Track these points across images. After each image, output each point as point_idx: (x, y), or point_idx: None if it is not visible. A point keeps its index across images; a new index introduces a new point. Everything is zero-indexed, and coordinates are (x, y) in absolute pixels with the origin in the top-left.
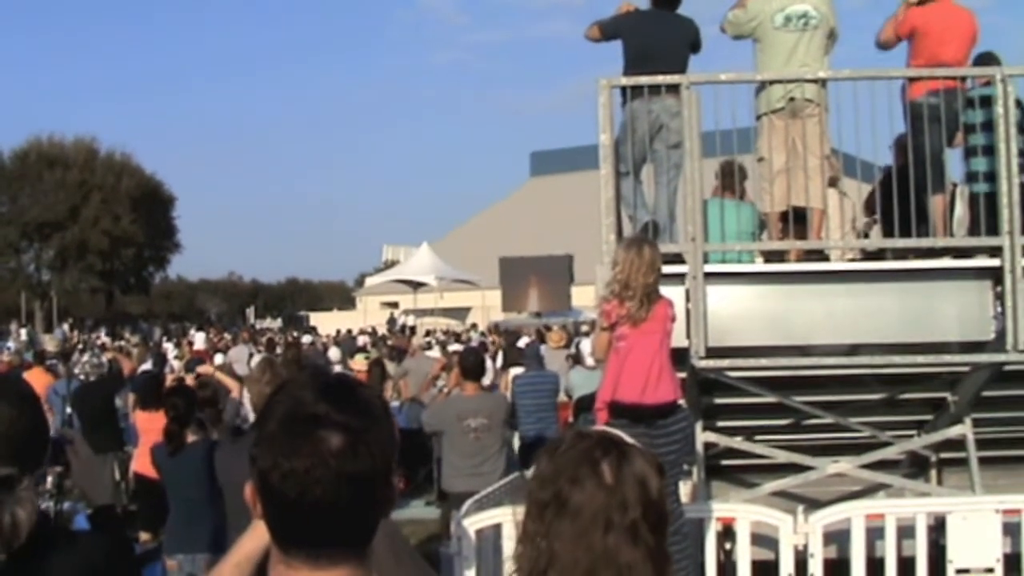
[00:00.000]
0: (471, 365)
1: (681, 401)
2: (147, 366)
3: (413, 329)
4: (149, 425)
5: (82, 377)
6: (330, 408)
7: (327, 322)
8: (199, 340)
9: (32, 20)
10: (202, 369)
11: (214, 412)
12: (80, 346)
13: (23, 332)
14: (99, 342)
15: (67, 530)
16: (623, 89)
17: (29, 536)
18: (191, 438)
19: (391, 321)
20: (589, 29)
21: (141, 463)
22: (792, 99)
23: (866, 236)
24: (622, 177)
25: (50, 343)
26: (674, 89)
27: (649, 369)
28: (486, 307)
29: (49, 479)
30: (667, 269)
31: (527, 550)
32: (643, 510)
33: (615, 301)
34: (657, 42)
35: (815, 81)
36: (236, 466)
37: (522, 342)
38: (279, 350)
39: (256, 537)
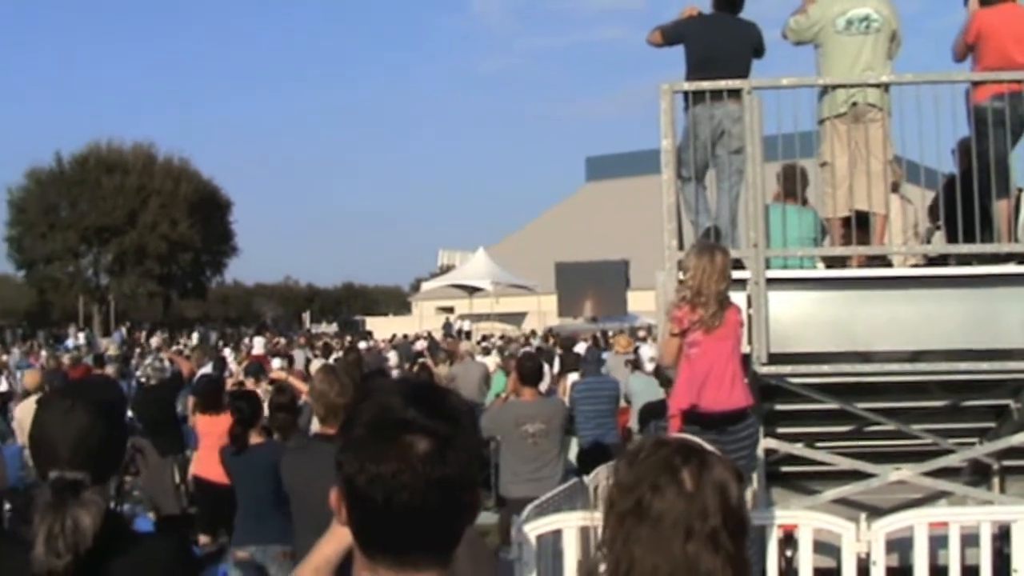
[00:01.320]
0: (529, 371)
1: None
2: (206, 370)
3: (468, 334)
4: (210, 428)
5: (143, 380)
6: (418, 413)
7: (383, 327)
8: (258, 344)
9: (92, 27)
10: (275, 374)
11: (289, 417)
12: (138, 349)
13: (81, 336)
14: (155, 345)
15: (131, 532)
16: (685, 94)
17: (96, 539)
18: (255, 440)
19: (447, 326)
20: (651, 34)
21: (201, 466)
22: (855, 104)
23: (929, 241)
24: (684, 182)
25: (109, 347)
26: (736, 94)
27: (723, 375)
28: (542, 312)
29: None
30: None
31: (606, 557)
32: (723, 517)
33: (687, 307)
34: (720, 47)
35: (878, 85)
36: (304, 473)
37: (579, 347)
38: (335, 354)
39: (335, 541)
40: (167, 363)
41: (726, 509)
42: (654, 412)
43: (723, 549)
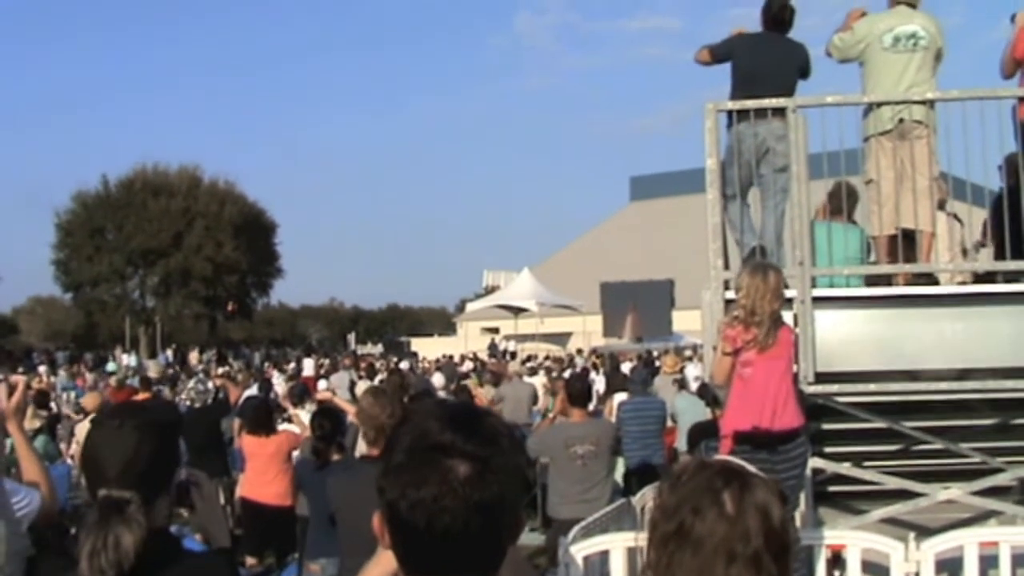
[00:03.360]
0: (578, 391)
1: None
2: (251, 391)
3: (513, 354)
4: (258, 450)
5: (188, 403)
6: (456, 437)
7: (428, 348)
8: (308, 366)
9: (138, 52)
10: (321, 395)
11: (336, 438)
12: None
13: (126, 357)
14: (200, 368)
15: (182, 552)
16: (729, 112)
17: (141, 557)
18: (335, 456)
19: (492, 347)
20: (699, 52)
21: (247, 488)
22: (901, 120)
23: (977, 259)
24: (728, 200)
25: (153, 369)
26: (780, 112)
27: (776, 395)
28: (587, 332)
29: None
30: None
31: None
32: (765, 540)
33: (740, 327)
34: (766, 65)
35: (923, 102)
36: (350, 494)
37: (625, 367)
38: (380, 375)
39: (381, 564)
40: (211, 385)
41: (768, 531)
42: (704, 432)
43: (766, 572)
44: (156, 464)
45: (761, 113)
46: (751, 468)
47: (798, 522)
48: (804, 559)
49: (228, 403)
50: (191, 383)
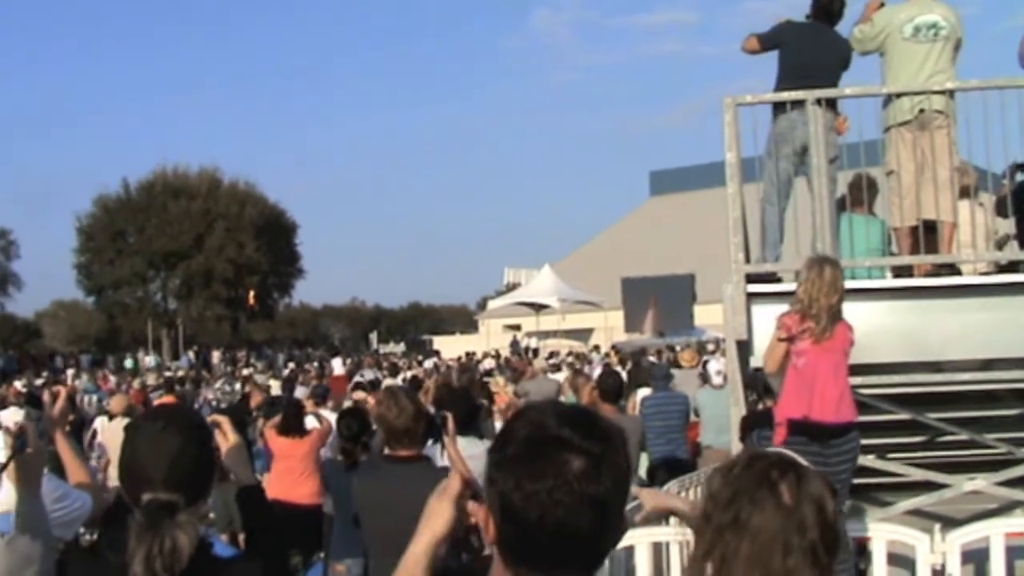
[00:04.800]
0: (610, 387)
1: None
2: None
3: (536, 351)
4: (290, 451)
5: (214, 403)
6: (572, 432)
7: (450, 346)
8: (336, 365)
9: (156, 56)
10: (356, 395)
11: (363, 437)
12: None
13: (148, 359)
14: (215, 361)
15: (216, 557)
16: (775, 104)
17: (190, 561)
18: (362, 457)
19: (514, 344)
20: (747, 41)
21: (277, 489)
22: (921, 111)
23: (1000, 248)
24: (766, 205)
25: (177, 369)
26: (832, 104)
27: (832, 388)
28: (608, 328)
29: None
30: (794, 286)
31: (701, 571)
32: (820, 532)
33: (797, 316)
34: (816, 56)
35: (943, 92)
36: (373, 493)
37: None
38: (403, 374)
39: (415, 540)
40: (238, 386)
41: (823, 523)
42: (757, 421)
43: (820, 563)
44: (199, 466)
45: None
46: (803, 461)
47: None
48: (854, 550)
49: (248, 406)
50: (219, 383)
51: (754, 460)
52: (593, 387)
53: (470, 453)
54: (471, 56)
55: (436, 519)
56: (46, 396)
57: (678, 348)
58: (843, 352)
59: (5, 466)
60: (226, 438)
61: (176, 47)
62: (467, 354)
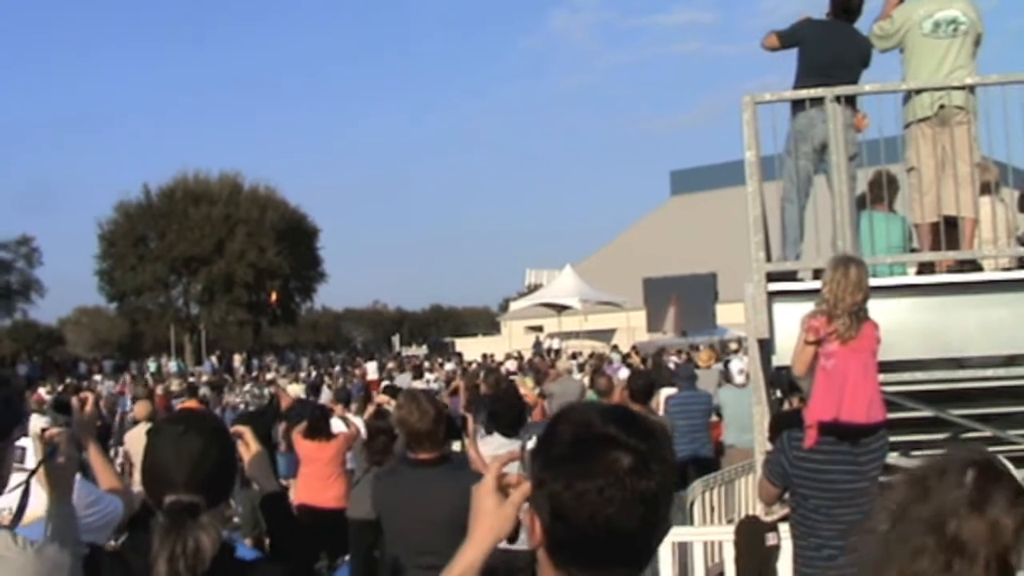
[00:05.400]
0: (640, 387)
1: None
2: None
3: (558, 352)
4: (316, 455)
5: (242, 406)
6: (619, 430)
7: (472, 348)
8: (371, 369)
9: (175, 62)
10: (380, 399)
11: (387, 441)
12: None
13: (171, 364)
14: (242, 374)
15: (238, 560)
16: (793, 102)
17: (213, 563)
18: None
19: (536, 345)
20: (767, 38)
21: (304, 493)
22: (942, 107)
23: (1022, 244)
24: (786, 203)
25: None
26: (851, 101)
27: (862, 388)
28: (631, 328)
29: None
30: (816, 284)
31: None
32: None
33: (823, 318)
34: (836, 53)
35: (963, 88)
36: (392, 496)
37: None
38: (428, 376)
39: (476, 546)
40: (267, 390)
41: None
42: (787, 422)
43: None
44: (221, 469)
45: (817, 101)
46: (1006, 463)
47: None
48: None
49: (278, 409)
50: (247, 386)
51: (952, 463)
52: (624, 387)
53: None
54: (490, 58)
55: (503, 524)
56: (75, 401)
57: (700, 347)
58: (871, 352)
59: (34, 472)
60: (248, 448)
61: (195, 53)
62: (484, 356)
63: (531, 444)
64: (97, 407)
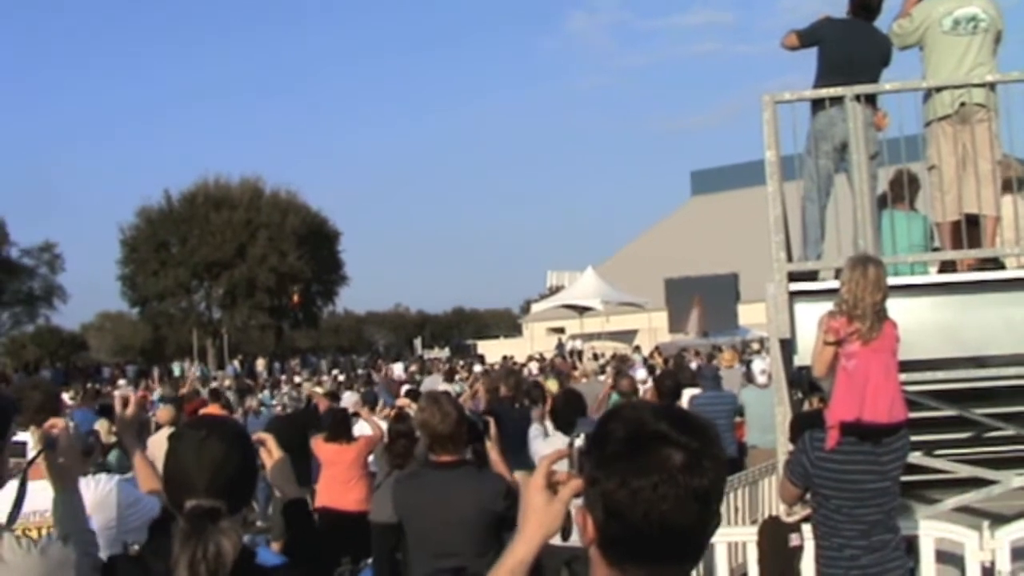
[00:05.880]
0: (668, 388)
1: None
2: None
3: (580, 354)
4: (336, 457)
5: (279, 408)
6: (670, 427)
7: (494, 350)
8: (398, 369)
9: (195, 68)
10: (402, 402)
11: (407, 444)
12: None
13: (194, 369)
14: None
15: (258, 566)
16: (814, 101)
17: (233, 568)
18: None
19: (559, 346)
20: (786, 37)
21: (327, 496)
22: (962, 104)
23: None
24: (807, 202)
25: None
26: (871, 100)
27: (884, 388)
28: (652, 329)
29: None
30: (837, 284)
31: None
32: None
33: (843, 319)
34: (856, 52)
35: (983, 85)
36: (414, 499)
37: (695, 365)
38: (458, 376)
39: (526, 542)
40: (304, 394)
41: None
42: (808, 423)
43: None
44: (242, 474)
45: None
46: None
47: None
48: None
49: (317, 414)
50: (285, 388)
51: None
52: (652, 388)
53: None
54: (509, 60)
55: (552, 520)
56: (117, 401)
57: (722, 348)
58: (892, 352)
59: (31, 464)
60: (271, 454)
61: (216, 57)
62: (504, 357)
63: (579, 442)
64: (144, 408)
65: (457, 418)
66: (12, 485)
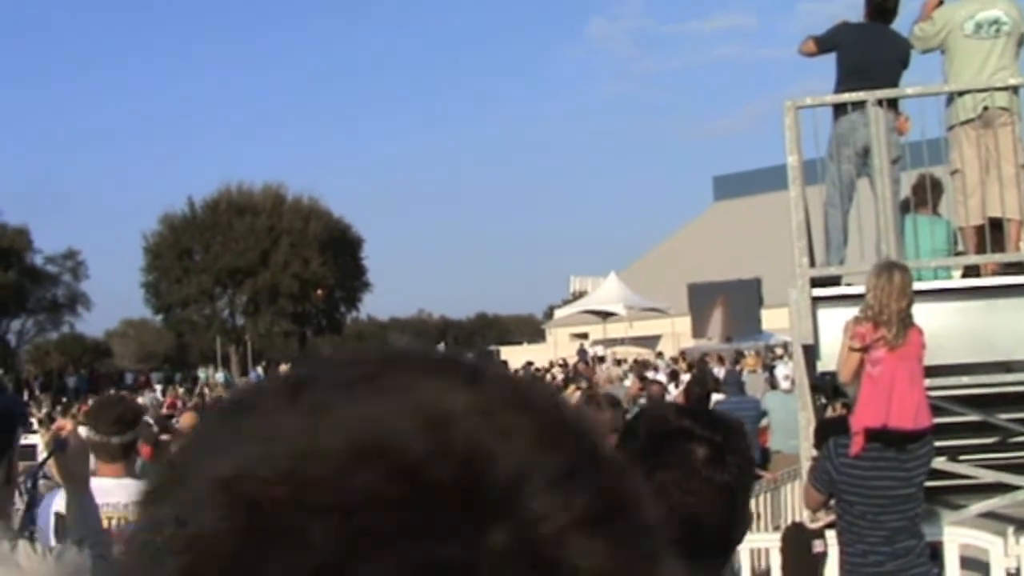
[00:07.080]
0: (698, 396)
1: None
2: None
3: (602, 359)
4: None
5: None
6: (693, 423)
7: (517, 355)
8: None
9: (218, 72)
10: None
11: None
12: None
13: (218, 375)
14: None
15: None
16: (835, 105)
17: None
18: None
19: (581, 352)
20: (804, 43)
21: None
22: (985, 108)
23: None
24: (829, 208)
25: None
26: (893, 104)
27: (909, 395)
28: (676, 334)
29: None
30: (860, 289)
31: None
32: None
33: (869, 325)
34: (875, 56)
35: (1006, 89)
36: None
37: (717, 370)
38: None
39: None
40: None
41: None
42: (833, 429)
43: None
44: None
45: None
46: None
47: None
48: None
49: None
50: None
51: None
52: (681, 395)
53: None
54: (530, 67)
55: None
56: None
57: (746, 353)
58: (918, 359)
59: (42, 465)
60: None
61: (239, 64)
62: (528, 363)
63: None
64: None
65: None
66: (57, 493)
